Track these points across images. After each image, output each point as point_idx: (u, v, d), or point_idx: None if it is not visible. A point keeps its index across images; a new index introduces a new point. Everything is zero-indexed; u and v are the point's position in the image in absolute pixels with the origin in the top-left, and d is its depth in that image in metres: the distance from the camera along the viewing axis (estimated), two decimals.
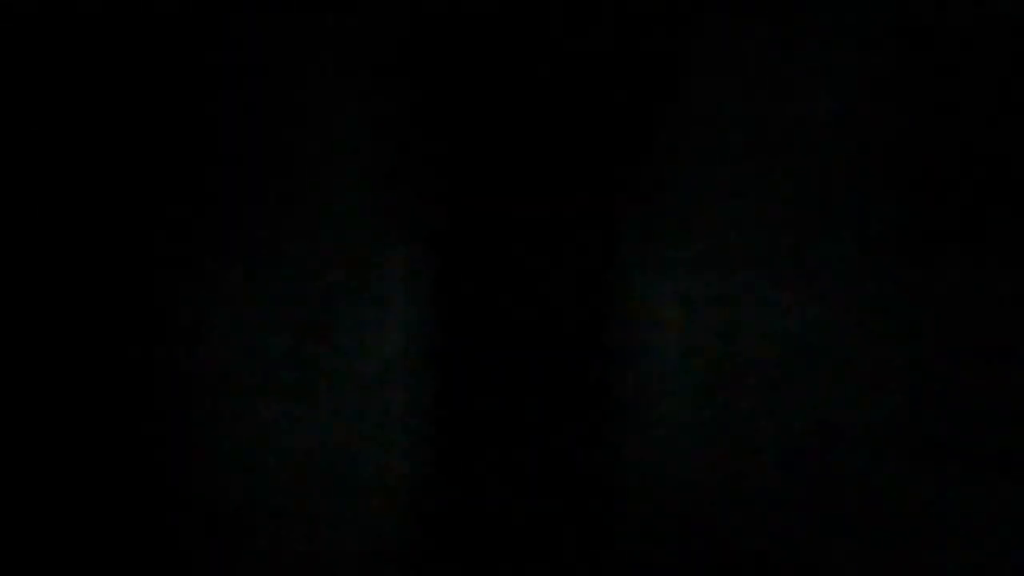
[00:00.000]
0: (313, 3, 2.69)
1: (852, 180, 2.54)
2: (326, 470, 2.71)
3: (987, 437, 2.48)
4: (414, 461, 2.70)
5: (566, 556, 2.65)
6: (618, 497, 2.63)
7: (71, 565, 2.71)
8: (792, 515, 2.55)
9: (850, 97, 2.54)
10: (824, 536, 2.55)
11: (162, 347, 2.72)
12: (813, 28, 2.56)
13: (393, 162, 2.69)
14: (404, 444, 2.71)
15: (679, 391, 2.61)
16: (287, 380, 2.71)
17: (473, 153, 2.70)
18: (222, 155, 2.72)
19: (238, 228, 2.72)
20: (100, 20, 2.65)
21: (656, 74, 2.64)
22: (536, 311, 2.64)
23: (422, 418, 2.70)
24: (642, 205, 2.65)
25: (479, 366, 2.69)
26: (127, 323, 2.72)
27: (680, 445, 2.61)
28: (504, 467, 2.67)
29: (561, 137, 2.68)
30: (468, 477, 2.69)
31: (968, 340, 2.49)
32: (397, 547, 2.69)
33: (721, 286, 2.60)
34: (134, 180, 2.72)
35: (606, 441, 2.65)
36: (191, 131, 2.73)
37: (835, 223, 2.55)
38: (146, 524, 2.71)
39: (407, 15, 2.67)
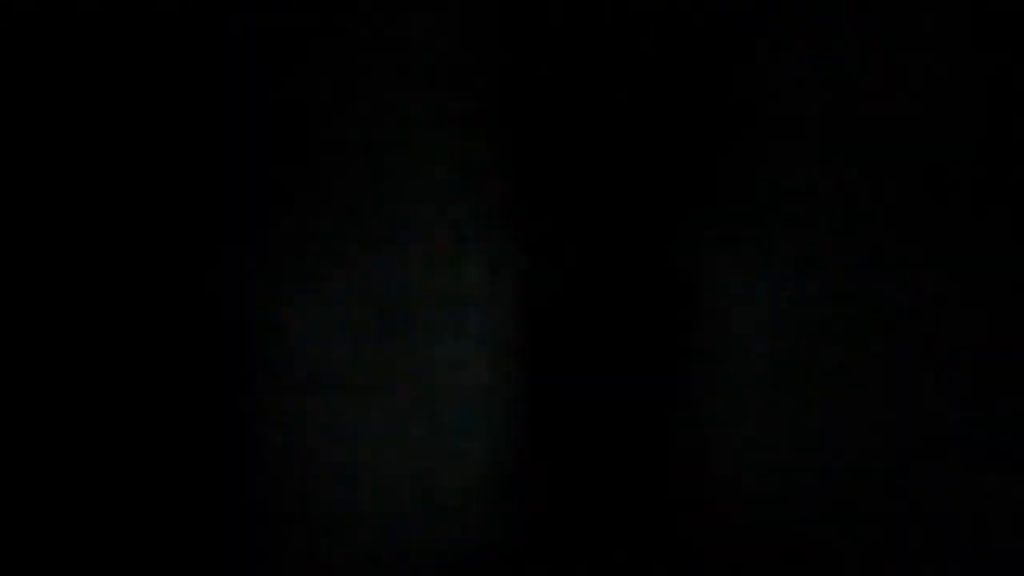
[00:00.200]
0: (398, 3, 2.68)
1: (930, 181, 2.51)
2: (405, 471, 2.71)
3: None
4: (493, 462, 2.70)
5: (647, 560, 2.65)
6: (705, 504, 2.62)
7: (162, 562, 2.71)
8: (885, 527, 2.51)
9: (927, 98, 2.52)
10: (913, 545, 2.50)
11: (253, 348, 2.72)
12: (888, 30, 2.53)
13: (475, 165, 2.70)
14: (483, 446, 2.71)
15: (766, 393, 2.60)
16: (368, 381, 2.71)
17: (557, 155, 2.70)
18: (308, 159, 2.72)
19: (322, 231, 2.73)
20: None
21: (739, 80, 2.64)
22: (619, 315, 2.64)
23: (501, 420, 2.70)
24: (729, 206, 2.64)
25: (560, 369, 2.68)
26: (220, 325, 2.72)
27: (767, 448, 2.59)
28: (585, 471, 2.67)
29: (647, 142, 2.67)
30: (548, 479, 2.69)
31: None
32: (476, 548, 2.69)
33: (810, 287, 2.57)
34: (229, 185, 2.73)
35: (691, 447, 2.64)
36: (281, 137, 2.73)
37: (916, 224, 2.52)
38: (233, 521, 2.71)
39: (495, 15, 2.67)
